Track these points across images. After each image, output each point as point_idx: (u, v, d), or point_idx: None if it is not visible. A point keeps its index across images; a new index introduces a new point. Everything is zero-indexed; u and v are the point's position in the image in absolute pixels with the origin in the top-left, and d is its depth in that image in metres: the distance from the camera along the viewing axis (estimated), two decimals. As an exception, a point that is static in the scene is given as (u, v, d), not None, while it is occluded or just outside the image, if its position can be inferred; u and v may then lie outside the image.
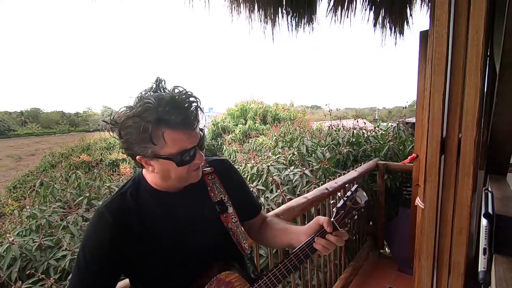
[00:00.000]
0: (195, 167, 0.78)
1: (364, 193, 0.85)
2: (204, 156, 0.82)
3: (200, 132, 0.77)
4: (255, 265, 0.90)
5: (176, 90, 0.73)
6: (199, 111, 0.75)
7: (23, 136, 54.72)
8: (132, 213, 0.77)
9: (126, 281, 0.87)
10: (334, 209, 0.84)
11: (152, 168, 0.75)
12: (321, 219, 0.83)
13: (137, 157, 0.74)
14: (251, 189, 1.06)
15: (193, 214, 0.83)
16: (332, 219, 0.83)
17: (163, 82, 0.74)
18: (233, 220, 0.87)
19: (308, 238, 0.82)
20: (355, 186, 0.86)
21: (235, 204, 0.90)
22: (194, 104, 0.73)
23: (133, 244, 0.76)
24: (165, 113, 0.68)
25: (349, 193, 0.85)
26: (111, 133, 0.74)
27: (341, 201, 0.85)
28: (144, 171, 0.83)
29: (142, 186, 0.81)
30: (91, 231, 0.76)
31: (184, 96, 0.72)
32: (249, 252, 0.89)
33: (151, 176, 0.81)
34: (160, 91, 0.72)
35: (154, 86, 0.73)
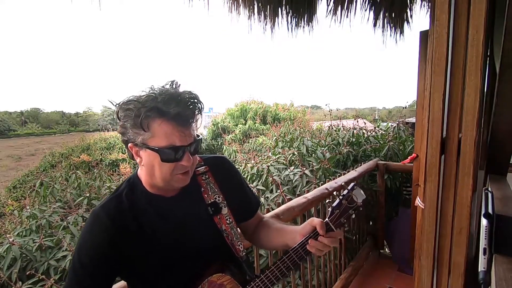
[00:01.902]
0: (182, 170, 0.75)
1: (362, 192, 0.82)
2: (196, 163, 0.81)
3: (196, 136, 0.76)
4: (250, 267, 0.89)
5: (184, 90, 0.73)
6: (198, 113, 0.74)
7: (23, 136, 54.72)
8: (128, 214, 0.77)
9: (123, 282, 0.87)
10: (329, 209, 0.82)
11: (140, 160, 0.75)
12: (315, 221, 0.81)
13: (129, 144, 0.74)
14: (251, 188, 1.04)
15: (188, 216, 0.83)
16: (327, 219, 0.81)
17: (177, 83, 0.74)
18: (227, 222, 0.86)
19: (301, 240, 0.81)
20: (352, 184, 0.84)
21: (232, 204, 0.89)
22: (196, 104, 0.73)
23: (131, 243, 0.76)
24: (163, 103, 0.69)
25: (345, 192, 0.83)
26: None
27: (337, 200, 0.82)
28: (139, 171, 0.83)
29: (137, 188, 0.81)
30: (88, 232, 0.76)
31: (187, 95, 0.72)
32: (244, 253, 0.88)
33: (144, 177, 0.80)
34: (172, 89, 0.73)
35: (168, 85, 0.74)
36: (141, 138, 0.71)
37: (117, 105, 0.73)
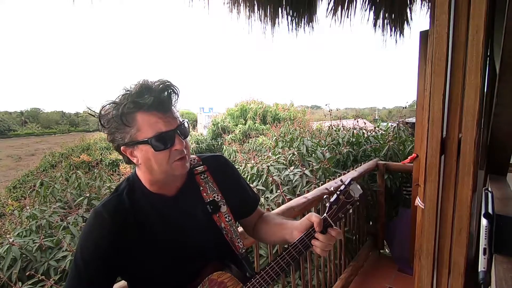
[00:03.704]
0: (178, 156, 0.75)
1: (359, 187, 0.83)
2: (190, 148, 0.82)
3: (181, 120, 0.77)
4: (249, 265, 0.89)
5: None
6: (175, 95, 0.75)
7: (23, 136, 54.74)
8: (129, 213, 0.77)
9: (124, 282, 0.87)
10: (327, 204, 0.83)
11: (137, 160, 0.75)
12: (313, 217, 0.81)
13: (121, 148, 0.74)
14: (250, 185, 1.04)
15: (187, 216, 0.83)
16: (325, 214, 0.82)
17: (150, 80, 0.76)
18: (227, 219, 0.87)
19: (300, 236, 0.81)
20: (349, 179, 0.84)
21: (231, 201, 0.89)
22: (169, 88, 0.74)
23: (132, 243, 0.76)
24: (138, 95, 0.70)
25: (342, 187, 0.83)
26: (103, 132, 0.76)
27: (334, 196, 0.83)
28: (137, 170, 0.83)
29: (137, 187, 0.81)
30: (89, 231, 0.76)
31: (158, 82, 0.73)
32: (243, 251, 0.88)
33: (144, 175, 0.80)
34: None
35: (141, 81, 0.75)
36: (129, 137, 0.72)
37: (96, 115, 0.74)
